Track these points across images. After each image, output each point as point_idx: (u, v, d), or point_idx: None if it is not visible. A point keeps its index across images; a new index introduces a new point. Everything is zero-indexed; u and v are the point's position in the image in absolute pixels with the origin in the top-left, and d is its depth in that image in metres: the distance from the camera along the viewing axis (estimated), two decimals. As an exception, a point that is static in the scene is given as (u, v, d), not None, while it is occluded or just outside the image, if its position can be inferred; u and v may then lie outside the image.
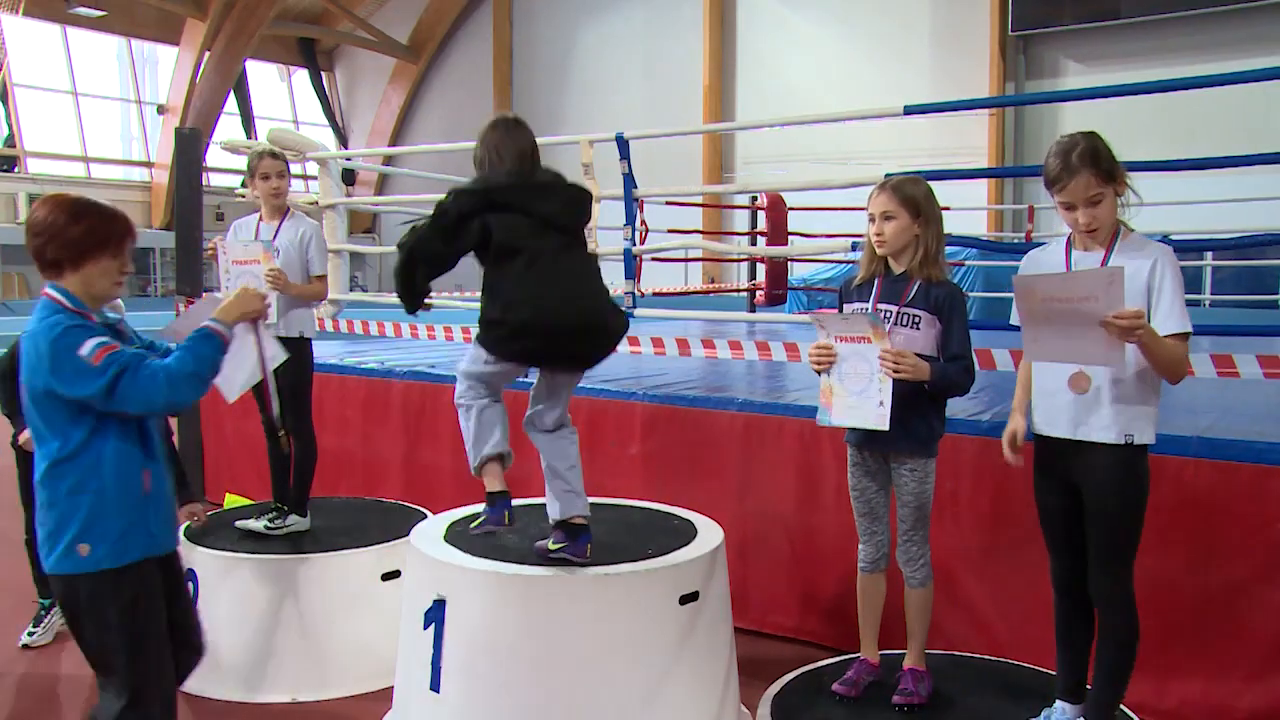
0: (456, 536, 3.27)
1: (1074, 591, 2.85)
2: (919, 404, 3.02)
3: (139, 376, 2.39)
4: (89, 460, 2.43)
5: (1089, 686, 2.88)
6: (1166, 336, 2.61)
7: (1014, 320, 2.89)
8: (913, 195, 3.05)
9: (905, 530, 3.14)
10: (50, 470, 2.45)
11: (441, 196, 3.01)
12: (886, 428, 2.94)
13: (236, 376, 3.03)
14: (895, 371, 2.91)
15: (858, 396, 2.98)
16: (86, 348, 2.35)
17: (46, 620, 4.21)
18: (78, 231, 2.43)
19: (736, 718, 3.33)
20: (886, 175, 3.21)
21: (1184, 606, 3.36)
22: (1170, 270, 2.67)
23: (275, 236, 4.11)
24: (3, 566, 4.87)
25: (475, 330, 3.08)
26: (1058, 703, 2.98)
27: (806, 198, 10.20)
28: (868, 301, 3.10)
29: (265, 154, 4.18)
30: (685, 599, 3.07)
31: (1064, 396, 2.75)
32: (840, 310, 3.17)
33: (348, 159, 17.54)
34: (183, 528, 4.10)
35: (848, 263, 9.48)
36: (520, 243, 2.93)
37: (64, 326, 2.38)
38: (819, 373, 3.08)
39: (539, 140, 3.14)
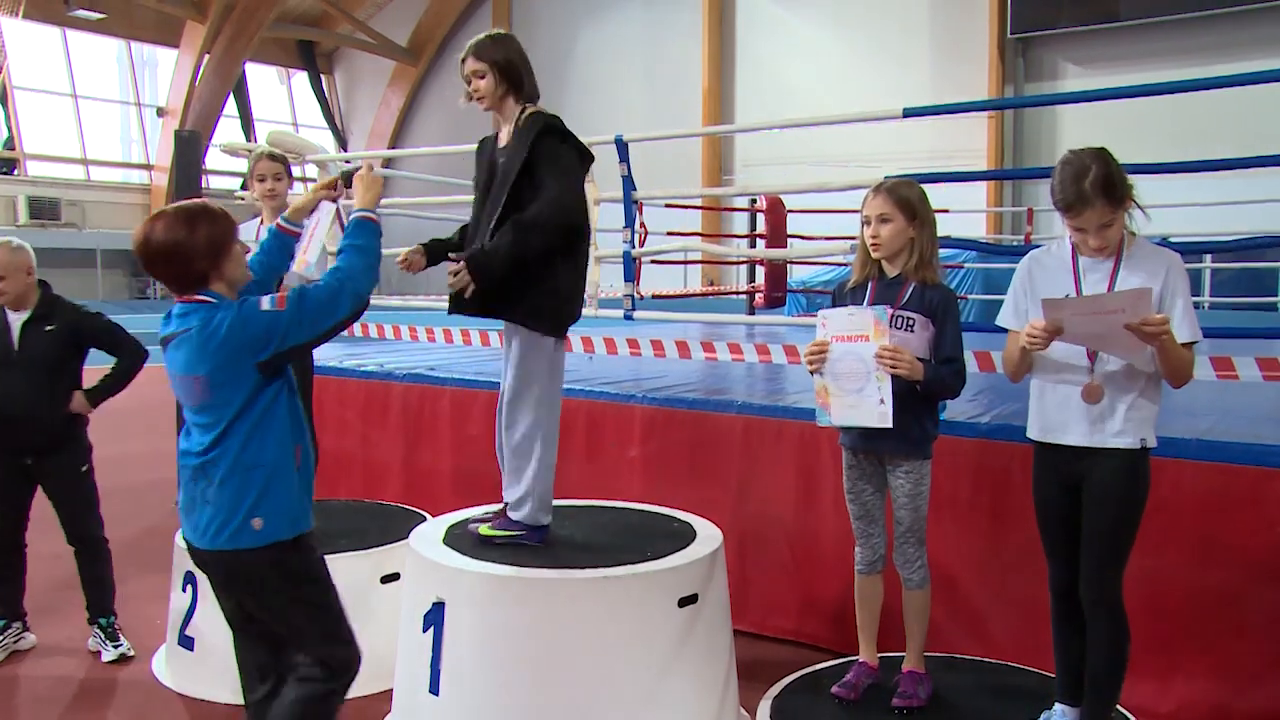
0: (456, 539, 3.28)
1: (1073, 595, 2.85)
2: (912, 406, 3.02)
3: (319, 290, 2.50)
4: (262, 436, 2.51)
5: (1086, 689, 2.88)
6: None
7: (999, 321, 2.92)
8: (908, 198, 3.05)
9: (901, 532, 3.14)
10: (224, 450, 2.48)
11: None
12: (890, 425, 2.93)
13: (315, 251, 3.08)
14: (893, 368, 2.91)
15: (855, 395, 2.97)
16: (265, 303, 2.48)
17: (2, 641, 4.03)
18: (204, 238, 2.48)
19: (736, 720, 3.34)
20: (885, 177, 3.21)
21: (1184, 609, 3.35)
22: (1182, 281, 2.71)
23: None
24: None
25: (536, 325, 3.09)
26: (1056, 705, 2.98)
27: (806, 200, 10.20)
28: (862, 305, 3.09)
29: (263, 156, 4.15)
30: (684, 601, 3.07)
31: (1076, 404, 2.76)
32: None
33: (347, 161, 17.51)
34: (181, 531, 4.10)
35: (847, 265, 9.48)
36: None
37: (236, 304, 2.48)
38: (813, 373, 3.08)
39: None
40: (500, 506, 3.43)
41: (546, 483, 3.19)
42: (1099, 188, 2.62)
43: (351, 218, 2.68)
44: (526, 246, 2.95)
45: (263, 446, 2.50)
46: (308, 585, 2.62)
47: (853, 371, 2.97)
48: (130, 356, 4.08)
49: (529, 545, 3.18)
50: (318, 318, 2.49)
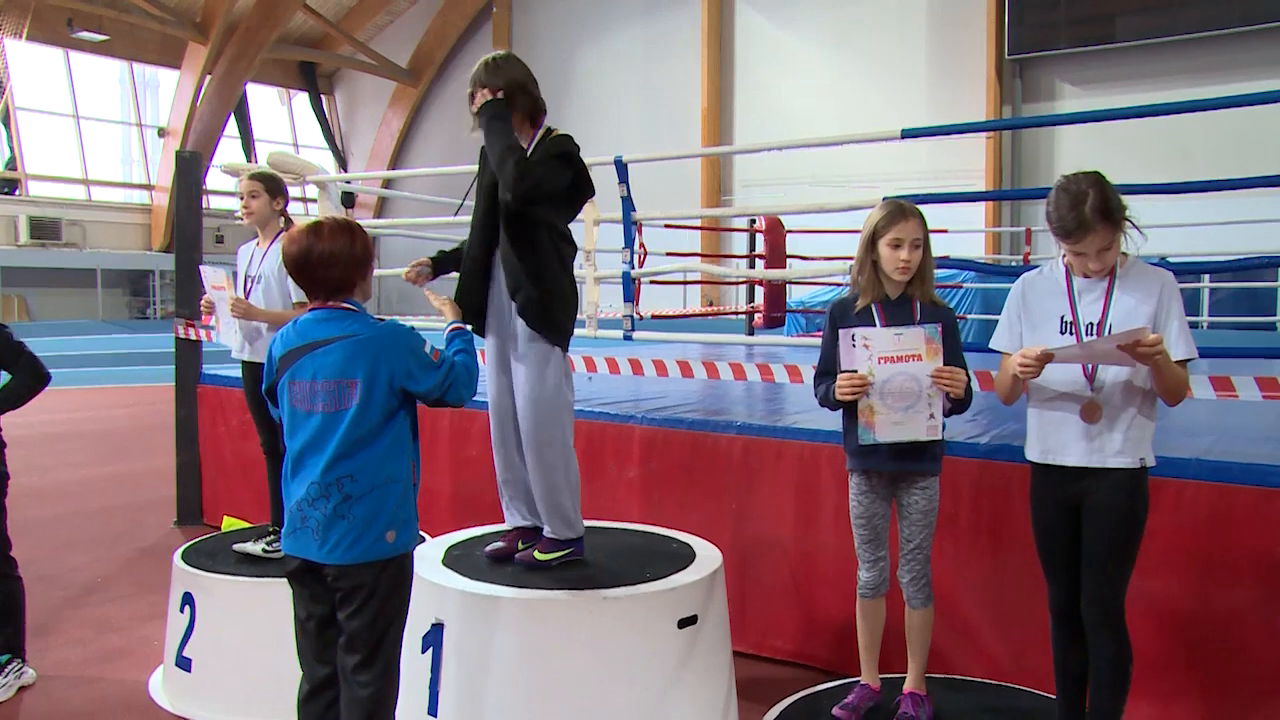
0: (455, 560, 3.27)
1: (1073, 615, 2.85)
2: None
3: (463, 372, 2.65)
4: (400, 449, 2.59)
5: (1088, 710, 2.87)
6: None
7: (993, 344, 2.94)
8: (925, 220, 3.09)
9: (911, 549, 3.13)
10: (366, 462, 2.52)
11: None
12: (940, 436, 3.02)
13: None
14: (949, 388, 2.96)
15: (904, 412, 3.01)
16: (428, 347, 2.59)
17: (5, 680, 3.83)
18: (361, 249, 2.60)
19: (736, 742, 3.32)
20: (885, 198, 3.21)
21: (1184, 629, 3.35)
22: (1176, 299, 2.73)
23: (263, 261, 4.09)
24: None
25: (546, 334, 3.16)
26: (1058, 727, 2.97)
27: (805, 220, 10.23)
28: (870, 326, 3.09)
29: (244, 176, 4.18)
30: (684, 623, 3.06)
31: (1074, 425, 2.76)
32: (832, 335, 3.15)
33: (347, 182, 17.53)
34: (180, 551, 4.08)
35: (846, 285, 9.49)
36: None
37: (402, 328, 2.58)
38: (844, 401, 3.06)
39: None
40: (504, 528, 3.44)
41: (578, 491, 3.31)
42: (1098, 213, 2.63)
43: (452, 331, 2.82)
44: (515, 166, 3.03)
45: (400, 460, 2.59)
46: (408, 594, 2.68)
47: (904, 390, 3.00)
48: (26, 376, 3.74)
49: (576, 559, 3.26)
50: (449, 392, 2.61)
